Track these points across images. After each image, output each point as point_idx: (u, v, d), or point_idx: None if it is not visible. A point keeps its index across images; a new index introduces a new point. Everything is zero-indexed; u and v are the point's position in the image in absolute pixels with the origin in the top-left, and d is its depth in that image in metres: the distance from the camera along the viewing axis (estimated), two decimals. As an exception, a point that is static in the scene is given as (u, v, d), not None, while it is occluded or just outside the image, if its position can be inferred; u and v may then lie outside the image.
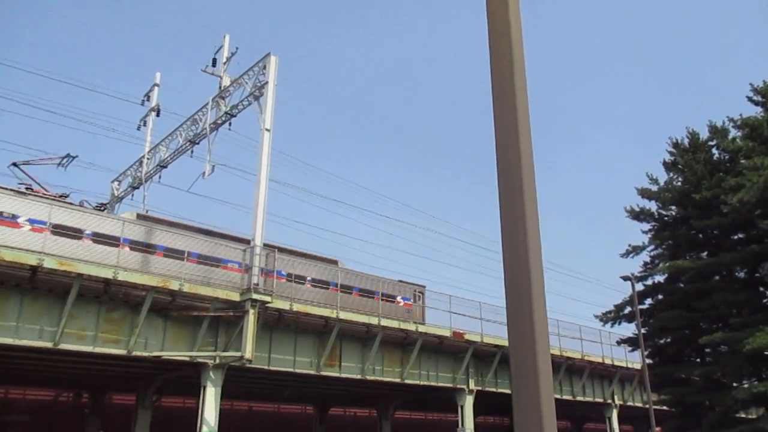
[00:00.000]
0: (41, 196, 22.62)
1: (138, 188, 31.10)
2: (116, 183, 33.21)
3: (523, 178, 2.51)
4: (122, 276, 19.85)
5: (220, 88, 26.73)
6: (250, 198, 23.05)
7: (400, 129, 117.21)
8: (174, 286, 20.96)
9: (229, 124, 25.99)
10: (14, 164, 25.97)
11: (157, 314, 21.60)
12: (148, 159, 30.74)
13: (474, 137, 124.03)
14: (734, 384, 28.54)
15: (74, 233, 20.42)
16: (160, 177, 29.79)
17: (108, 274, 19.66)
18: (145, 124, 32.40)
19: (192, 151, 27.87)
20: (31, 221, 19.65)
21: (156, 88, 32.60)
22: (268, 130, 23.33)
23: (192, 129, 27.96)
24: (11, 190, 21.52)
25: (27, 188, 24.09)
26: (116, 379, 29.18)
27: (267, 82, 23.89)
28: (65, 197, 24.56)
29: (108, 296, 20.57)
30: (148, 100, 32.67)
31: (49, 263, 18.51)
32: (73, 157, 28.55)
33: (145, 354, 21.35)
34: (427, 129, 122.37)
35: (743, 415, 31.27)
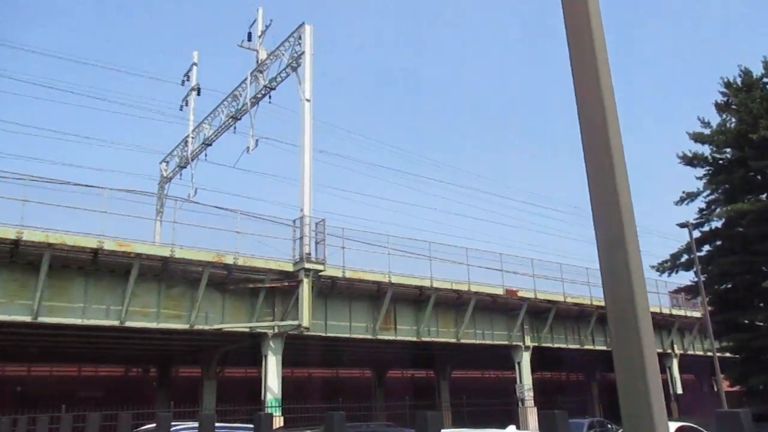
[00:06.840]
0: None
1: (185, 167, 31.62)
2: (164, 164, 33.86)
3: (610, 136, 2.36)
4: (179, 253, 20.42)
5: (257, 62, 26.77)
6: (296, 170, 23.22)
7: (446, 92, 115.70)
8: (228, 260, 21.48)
9: (269, 97, 26.08)
10: None
11: (215, 288, 22.19)
12: (192, 138, 31.18)
13: (528, 98, 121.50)
14: (801, 327, 27.78)
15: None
16: (206, 155, 30.19)
17: (165, 252, 20.26)
18: (186, 104, 32.77)
19: (235, 127, 28.15)
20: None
21: (194, 67, 32.86)
22: (308, 100, 23.34)
23: (233, 105, 28.19)
24: None
25: None
26: (181, 353, 30.30)
27: (303, 52, 23.81)
28: None
29: (167, 274, 21.22)
30: (187, 79, 32.97)
31: (108, 245, 19.17)
32: None
33: (206, 327, 22.03)
34: (477, 91, 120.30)
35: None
